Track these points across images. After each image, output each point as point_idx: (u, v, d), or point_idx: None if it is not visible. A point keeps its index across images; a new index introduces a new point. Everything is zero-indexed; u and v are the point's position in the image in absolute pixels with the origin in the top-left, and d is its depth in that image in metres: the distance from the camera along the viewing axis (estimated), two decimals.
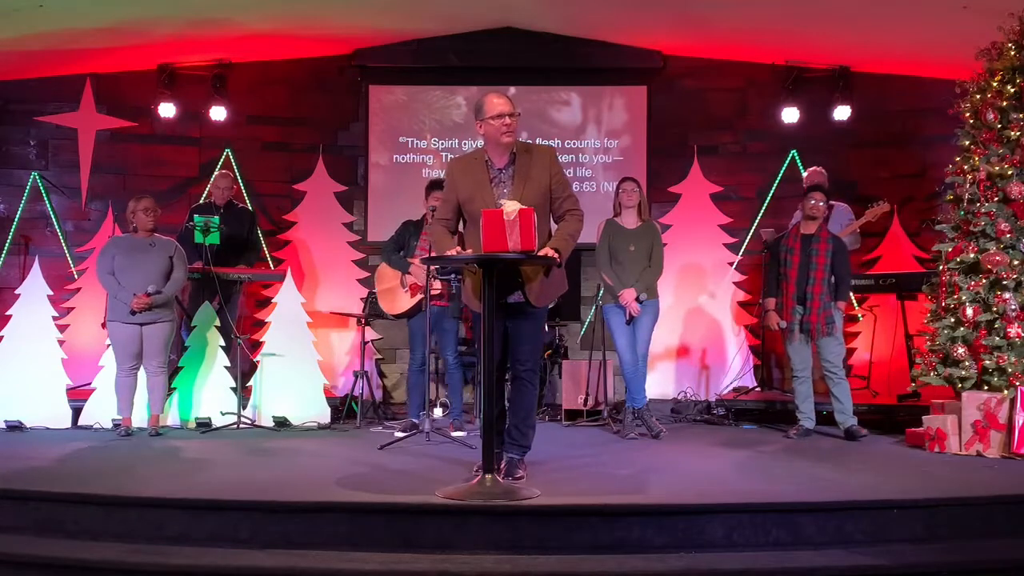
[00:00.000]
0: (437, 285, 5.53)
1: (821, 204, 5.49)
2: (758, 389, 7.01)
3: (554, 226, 3.98)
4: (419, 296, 5.60)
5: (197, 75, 7.54)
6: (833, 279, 5.48)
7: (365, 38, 7.68)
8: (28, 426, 5.63)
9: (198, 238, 5.91)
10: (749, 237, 7.62)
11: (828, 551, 3.27)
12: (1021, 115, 5.04)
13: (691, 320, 7.47)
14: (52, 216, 7.34)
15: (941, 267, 5.27)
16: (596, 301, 6.18)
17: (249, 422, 5.86)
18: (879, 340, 6.86)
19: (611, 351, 5.91)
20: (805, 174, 6.91)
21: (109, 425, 5.69)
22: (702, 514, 3.36)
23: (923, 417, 5.04)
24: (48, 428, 5.68)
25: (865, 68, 7.38)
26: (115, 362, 5.53)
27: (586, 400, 6.43)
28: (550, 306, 6.77)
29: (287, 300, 6.19)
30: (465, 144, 7.85)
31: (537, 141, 7.87)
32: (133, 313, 5.40)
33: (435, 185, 5.52)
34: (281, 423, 5.86)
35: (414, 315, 5.70)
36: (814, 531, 3.34)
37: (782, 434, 5.62)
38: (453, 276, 5.42)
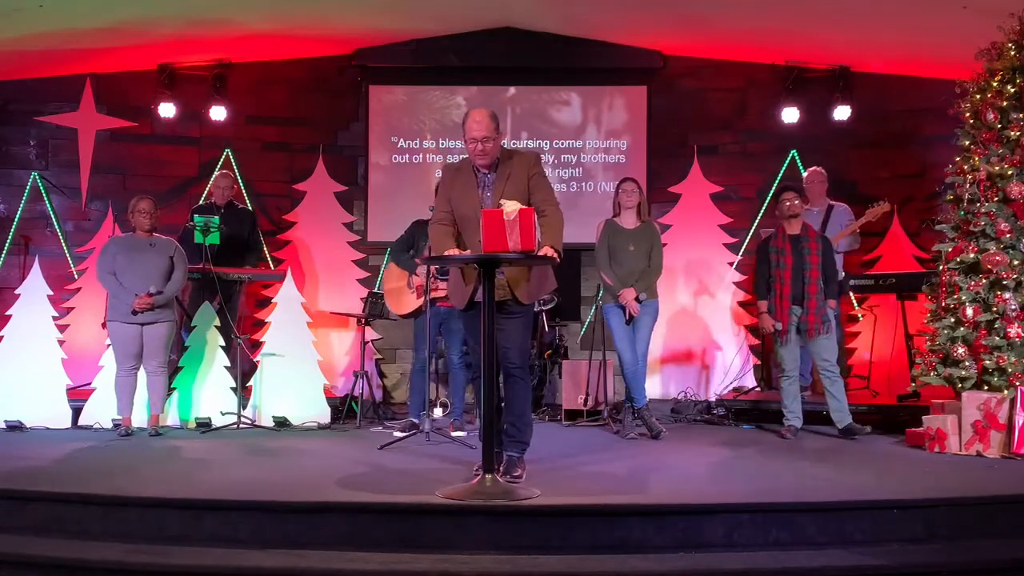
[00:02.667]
0: (443, 285, 5.53)
1: (796, 201, 5.50)
2: (758, 389, 7.01)
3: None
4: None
5: (197, 75, 7.54)
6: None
7: (365, 38, 7.68)
8: (28, 426, 5.63)
9: (198, 238, 5.91)
10: (749, 237, 7.62)
11: (828, 551, 3.27)
12: (1021, 115, 5.03)
13: (691, 320, 7.46)
14: (52, 216, 7.34)
15: (941, 267, 5.27)
16: (596, 301, 6.18)
17: (249, 422, 5.86)
18: (879, 340, 6.86)
19: (611, 351, 5.91)
20: (805, 174, 6.91)
21: (109, 425, 5.68)
22: (702, 514, 3.36)
23: (923, 417, 5.04)
24: (48, 428, 5.68)
25: (865, 68, 7.38)
26: (115, 362, 5.53)
27: (586, 400, 6.43)
28: (548, 307, 6.90)
29: (287, 300, 6.19)
30: None
31: (537, 141, 7.90)
32: (135, 313, 5.40)
33: None
34: (281, 423, 5.86)
35: (420, 315, 5.70)
36: (814, 531, 3.35)
37: (775, 436, 5.60)
38: None
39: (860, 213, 6.55)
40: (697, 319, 7.47)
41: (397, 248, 5.87)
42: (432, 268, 5.36)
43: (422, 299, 5.63)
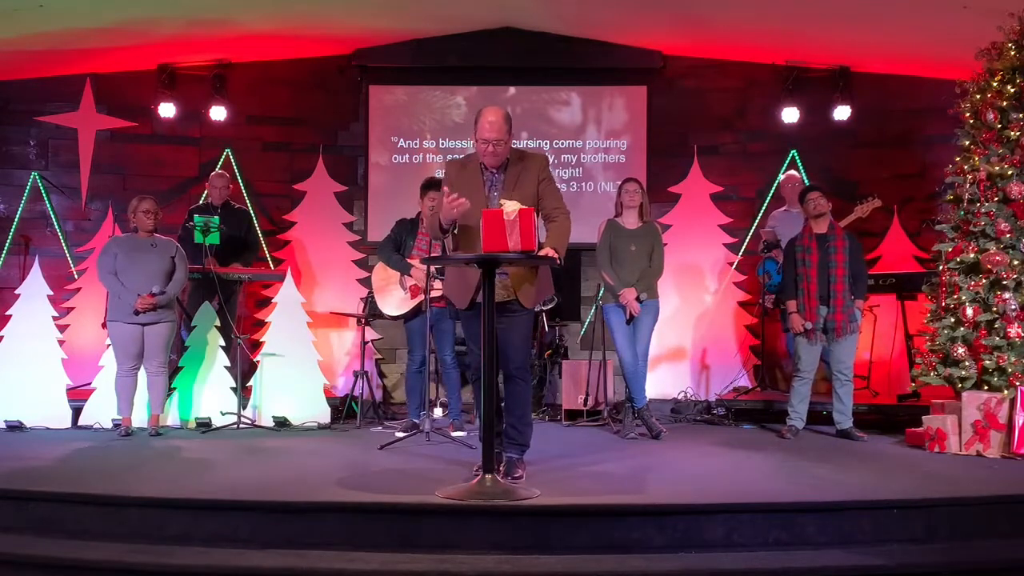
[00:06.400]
0: (438, 285, 5.52)
1: (823, 200, 5.49)
2: (758, 389, 7.01)
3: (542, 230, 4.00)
4: (419, 298, 5.59)
5: (197, 75, 7.55)
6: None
7: (365, 38, 7.68)
8: (28, 426, 5.63)
9: (198, 238, 5.91)
10: (749, 237, 7.62)
11: (828, 551, 3.27)
12: (1021, 115, 5.04)
13: (691, 320, 7.47)
14: (52, 216, 7.34)
15: (941, 267, 5.27)
16: (596, 301, 6.18)
17: (249, 422, 5.86)
18: (879, 340, 6.86)
19: (611, 351, 5.91)
20: (781, 178, 6.94)
21: (109, 425, 5.69)
22: (702, 514, 3.36)
23: (923, 417, 5.04)
24: (48, 428, 5.68)
25: (865, 68, 7.38)
26: (115, 362, 5.52)
27: (586, 400, 6.42)
28: (548, 307, 6.90)
29: (287, 300, 6.19)
30: (465, 144, 7.85)
31: (537, 141, 7.90)
32: (137, 313, 5.39)
33: (430, 185, 5.50)
34: (281, 423, 5.86)
35: (413, 316, 5.70)
36: (814, 531, 3.35)
37: (776, 435, 5.60)
38: None
39: (850, 211, 6.55)
40: (697, 319, 7.47)
41: (386, 248, 5.82)
42: (432, 268, 5.35)
43: (416, 299, 5.62)
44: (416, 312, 5.65)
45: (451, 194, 3.70)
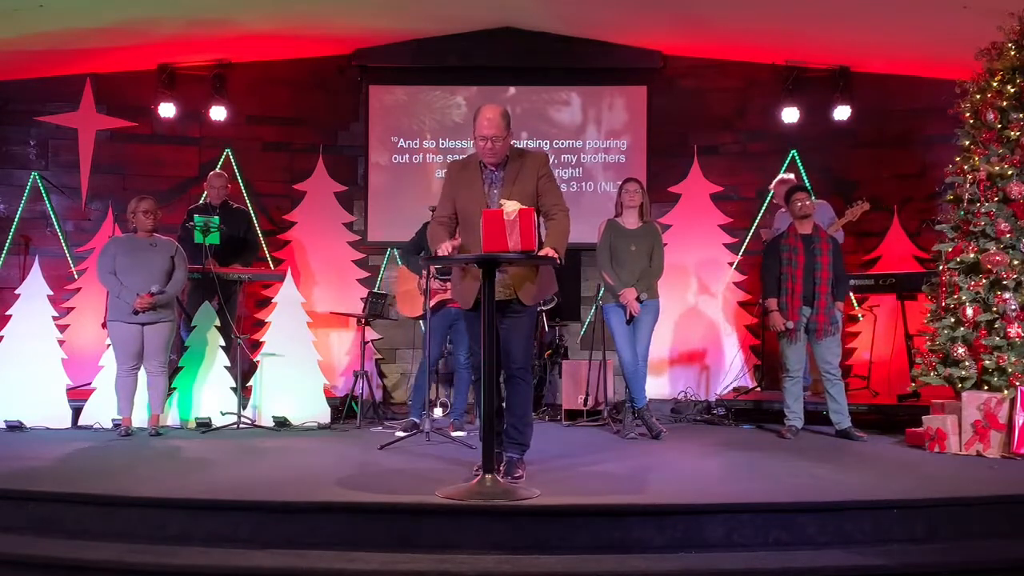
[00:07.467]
0: (447, 285, 5.54)
1: (808, 202, 5.52)
2: (758, 389, 7.01)
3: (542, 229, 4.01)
4: (440, 297, 5.61)
5: (197, 75, 7.55)
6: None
7: (365, 38, 7.68)
8: (28, 426, 5.63)
9: (198, 238, 5.91)
10: (749, 237, 7.62)
11: (828, 551, 3.27)
12: (1021, 115, 5.04)
13: (691, 320, 7.46)
14: (52, 216, 7.34)
15: (941, 267, 5.27)
16: (596, 301, 6.19)
17: (249, 422, 5.86)
18: (879, 340, 6.86)
19: (611, 351, 5.92)
20: (775, 182, 6.94)
21: (109, 425, 5.69)
22: (702, 514, 3.36)
23: (923, 417, 5.04)
24: (48, 428, 5.68)
25: (865, 68, 7.38)
26: (115, 362, 5.52)
27: (586, 400, 6.43)
28: (548, 307, 6.90)
29: (287, 300, 6.19)
30: (465, 144, 7.86)
31: (537, 141, 7.90)
32: (136, 313, 5.40)
33: None
34: (281, 423, 5.86)
35: (435, 313, 5.70)
36: (814, 531, 3.35)
37: (775, 435, 5.60)
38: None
39: (845, 210, 6.55)
40: (697, 319, 7.47)
41: (407, 251, 5.90)
42: (432, 267, 5.36)
43: (436, 299, 5.63)
44: (438, 308, 5.67)
45: (447, 245, 3.78)
